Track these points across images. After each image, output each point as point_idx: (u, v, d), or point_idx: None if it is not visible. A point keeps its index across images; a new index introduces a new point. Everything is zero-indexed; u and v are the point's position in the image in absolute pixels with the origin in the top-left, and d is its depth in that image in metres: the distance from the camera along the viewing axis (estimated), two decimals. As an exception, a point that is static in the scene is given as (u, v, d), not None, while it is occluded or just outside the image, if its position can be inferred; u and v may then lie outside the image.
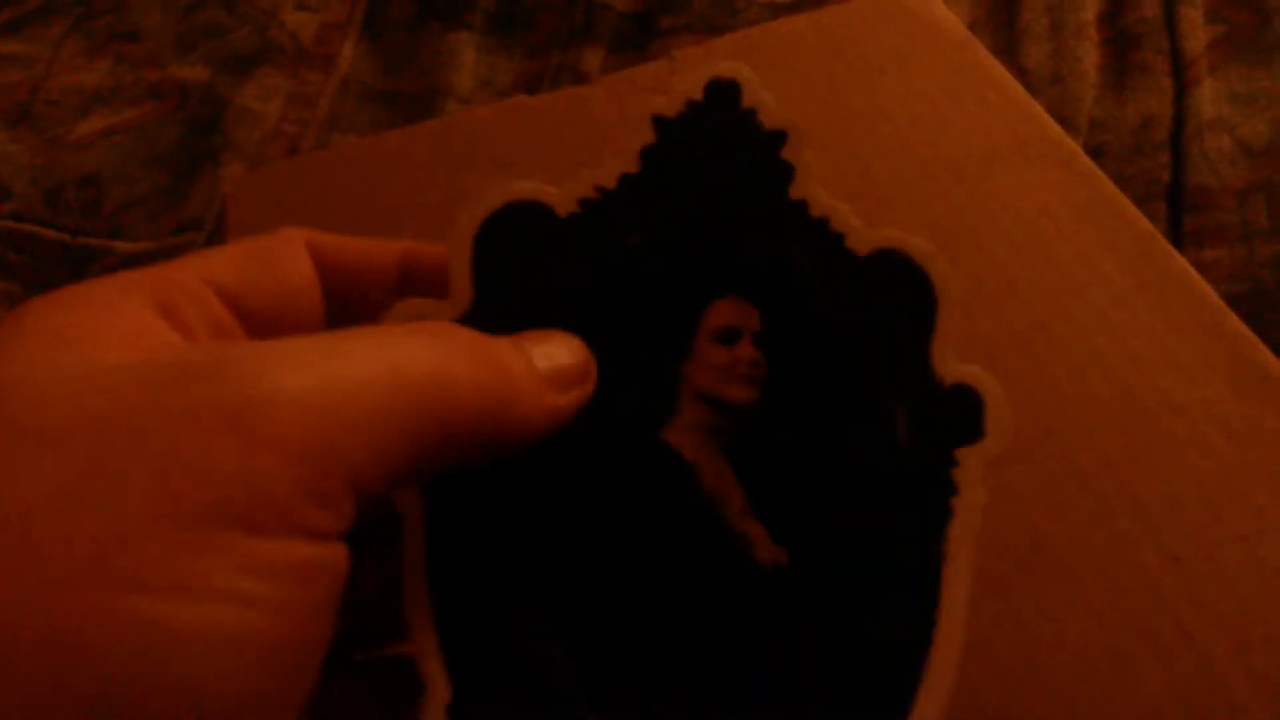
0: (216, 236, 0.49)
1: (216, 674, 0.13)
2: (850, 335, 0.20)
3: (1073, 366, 0.31)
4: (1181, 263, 0.34)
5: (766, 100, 0.21)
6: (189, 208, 0.51)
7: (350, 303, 0.22)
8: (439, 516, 0.19)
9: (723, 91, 0.21)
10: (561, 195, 0.21)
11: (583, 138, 0.40)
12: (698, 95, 0.21)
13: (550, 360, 0.19)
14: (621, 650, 0.19)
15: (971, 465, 0.20)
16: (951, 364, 0.20)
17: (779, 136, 0.21)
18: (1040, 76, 0.49)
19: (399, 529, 0.19)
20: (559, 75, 0.54)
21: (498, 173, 0.40)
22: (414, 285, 0.22)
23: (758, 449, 0.20)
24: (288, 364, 0.15)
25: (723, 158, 0.21)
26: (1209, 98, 0.46)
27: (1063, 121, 0.41)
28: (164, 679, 0.13)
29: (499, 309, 0.20)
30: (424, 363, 0.16)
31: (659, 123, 0.21)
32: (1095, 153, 0.46)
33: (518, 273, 0.20)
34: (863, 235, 0.21)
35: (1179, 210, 0.44)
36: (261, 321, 0.19)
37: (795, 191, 0.21)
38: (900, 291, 0.20)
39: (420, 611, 0.19)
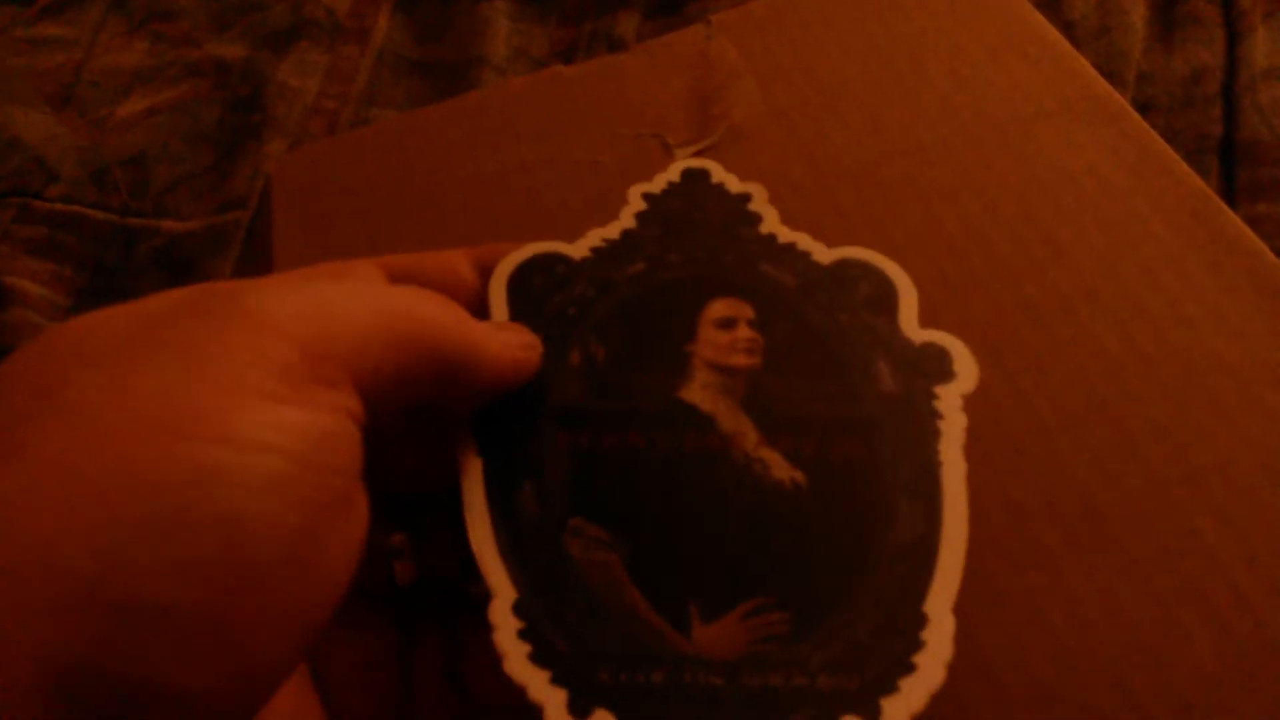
0: (262, 214, 0.49)
1: (253, 508, 0.16)
2: (827, 316, 0.24)
3: (1122, 330, 0.31)
4: (1234, 220, 0.33)
5: (731, 178, 0.27)
6: (233, 186, 0.51)
7: None
8: (493, 466, 0.23)
9: (696, 175, 0.27)
10: (576, 247, 0.26)
11: (620, 107, 0.40)
12: (676, 179, 0.27)
13: (503, 330, 0.23)
14: (667, 556, 0.22)
15: (949, 396, 0.23)
16: (917, 331, 0.24)
17: (745, 197, 0.27)
18: (1086, 30, 0.48)
19: (458, 498, 0.23)
20: (593, 42, 0.54)
21: (536, 144, 0.40)
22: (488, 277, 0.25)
23: (767, 400, 0.23)
24: (285, 286, 0.18)
25: (702, 211, 0.26)
26: (1262, 47, 0.45)
27: (1110, 76, 0.40)
28: (210, 510, 0.15)
29: (530, 324, 0.24)
30: (396, 297, 0.20)
31: (648, 197, 0.27)
32: (1144, 107, 0.45)
33: (544, 297, 0.25)
34: (825, 252, 0.25)
35: (1231, 164, 0.43)
36: None
37: (764, 229, 0.26)
38: (861, 285, 0.25)
39: (483, 536, 0.22)
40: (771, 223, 0.26)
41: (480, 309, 0.25)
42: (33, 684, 0.14)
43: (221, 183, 0.52)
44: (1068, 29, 0.47)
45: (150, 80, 0.57)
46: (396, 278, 0.23)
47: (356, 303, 0.19)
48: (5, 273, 0.48)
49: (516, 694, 0.20)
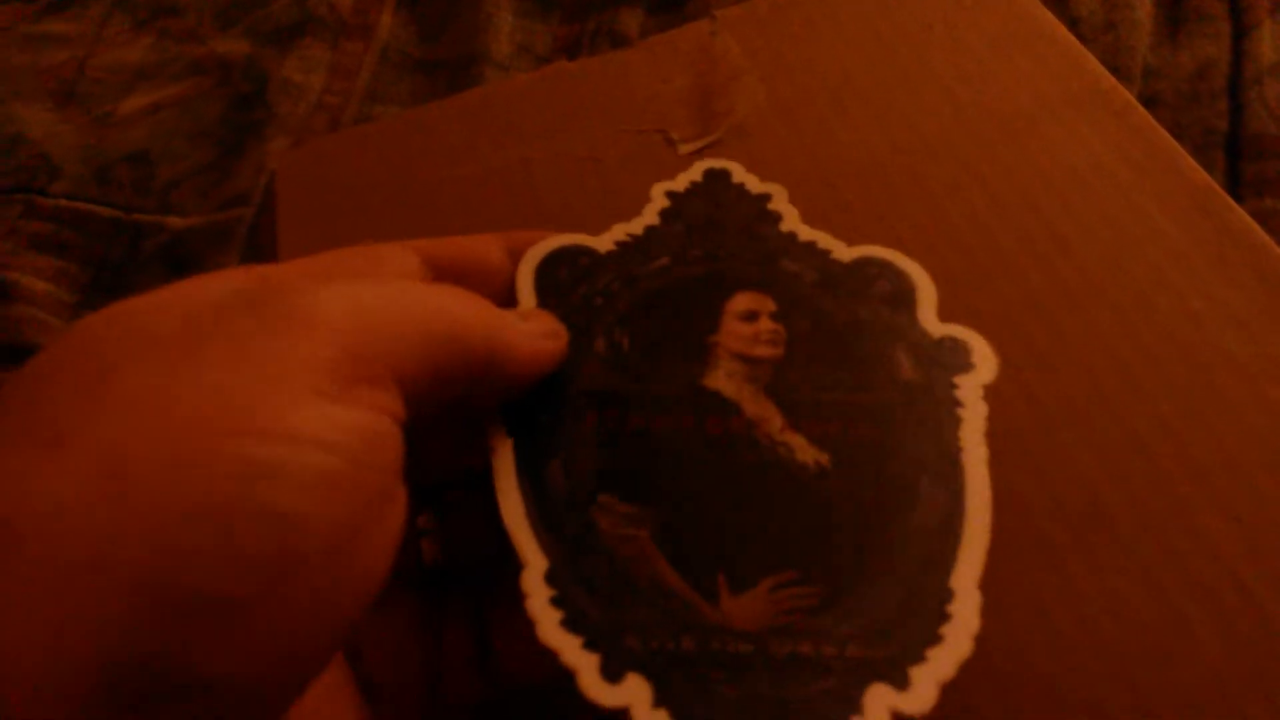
0: (265, 211, 0.49)
1: (307, 503, 0.16)
2: (848, 311, 0.25)
3: (1128, 326, 0.31)
4: (1241, 215, 0.33)
5: (752, 178, 0.28)
6: (237, 183, 0.51)
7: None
8: (523, 446, 0.23)
9: (717, 175, 0.28)
10: (600, 240, 0.26)
11: (624, 103, 0.40)
12: (698, 179, 0.28)
13: (529, 321, 0.23)
14: (695, 531, 0.22)
15: (970, 387, 0.23)
16: (936, 325, 0.24)
17: (765, 197, 0.27)
18: (1092, 25, 0.47)
19: (486, 480, 0.23)
20: (597, 38, 0.54)
21: (540, 141, 0.40)
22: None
23: (790, 387, 0.24)
24: (326, 286, 0.19)
25: (723, 210, 0.27)
26: (1269, 41, 0.44)
27: (1116, 71, 0.40)
28: (262, 505, 0.15)
29: (556, 313, 0.25)
30: (431, 296, 0.20)
31: (671, 195, 0.27)
32: (1150, 102, 0.44)
33: (570, 287, 0.25)
34: (844, 250, 0.26)
35: (1238, 159, 0.42)
36: None
37: (785, 227, 0.26)
38: (880, 282, 0.25)
39: (515, 511, 0.22)
40: (792, 221, 0.26)
41: (511, 294, 0.25)
42: (90, 675, 0.14)
43: (225, 179, 0.52)
44: (1074, 24, 0.47)
45: (154, 77, 0.57)
46: (430, 261, 0.23)
47: (399, 304, 0.19)
48: (10, 269, 0.48)
49: (547, 664, 0.20)
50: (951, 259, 0.33)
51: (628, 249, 0.26)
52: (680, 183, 0.28)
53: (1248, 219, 0.33)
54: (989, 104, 0.37)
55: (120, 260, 0.50)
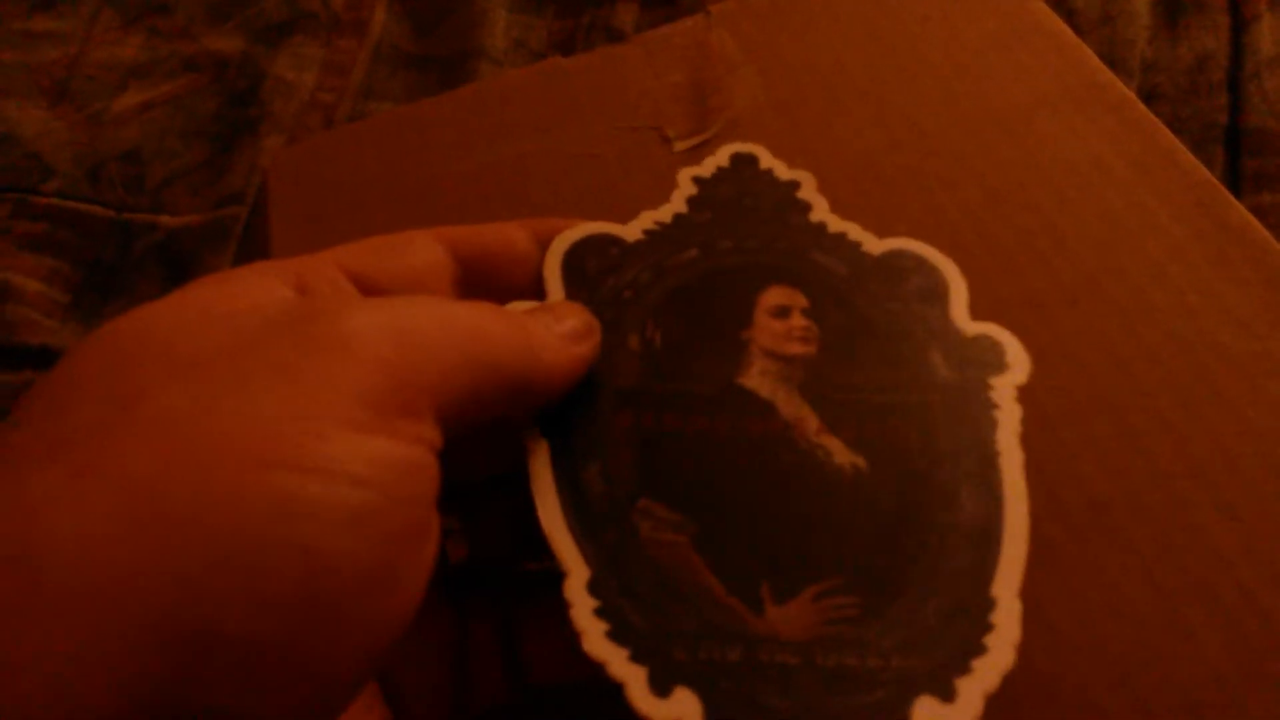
0: (260, 209, 0.49)
1: (338, 541, 0.15)
2: (879, 306, 0.24)
3: (1126, 323, 0.31)
4: (1240, 211, 0.32)
5: (779, 164, 0.27)
6: (230, 181, 0.51)
7: (491, 286, 0.24)
8: (559, 448, 0.23)
9: (744, 159, 0.27)
10: (629, 229, 0.26)
11: (619, 99, 0.40)
12: (725, 164, 0.27)
13: (562, 323, 0.22)
14: (736, 537, 0.22)
15: (1004, 388, 0.23)
16: (968, 323, 0.24)
17: (794, 184, 0.27)
18: (1089, 18, 0.47)
19: (515, 481, 0.23)
20: (592, 33, 0.54)
21: (535, 138, 0.39)
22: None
23: (824, 387, 0.23)
24: (367, 308, 0.18)
25: (752, 198, 0.26)
26: (1268, 34, 0.44)
27: (1114, 64, 0.40)
28: (293, 542, 0.15)
29: (585, 304, 0.24)
30: (465, 317, 0.20)
31: (698, 180, 0.27)
32: (1148, 96, 0.44)
33: (598, 278, 0.25)
34: (875, 242, 0.25)
35: (1237, 153, 0.42)
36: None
37: (814, 217, 0.26)
38: (913, 277, 0.25)
39: (554, 516, 0.22)
40: (821, 211, 0.26)
41: (533, 278, 0.25)
42: (110, 713, 0.13)
43: (218, 177, 0.52)
44: (1071, 17, 0.47)
45: (146, 74, 0.57)
46: (456, 251, 0.23)
47: (439, 329, 0.19)
48: (2, 269, 0.48)
49: (585, 670, 0.20)
50: (949, 254, 0.33)
51: (656, 238, 0.26)
52: (707, 168, 0.27)
53: (1246, 214, 0.32)
54: (986, 99, 0.37)
55: (113, 259, 0.50)
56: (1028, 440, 0.22)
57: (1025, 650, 0.26)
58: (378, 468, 0.16)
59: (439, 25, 0.56)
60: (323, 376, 0.16)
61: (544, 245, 0.25)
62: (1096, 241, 0.33)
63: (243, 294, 0.18)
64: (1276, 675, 0.25)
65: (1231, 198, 0.33)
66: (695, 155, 0.37)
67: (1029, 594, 0.26)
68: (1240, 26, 0.45)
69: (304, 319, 0.17)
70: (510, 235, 0.24)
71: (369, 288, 0.21)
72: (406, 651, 0.23)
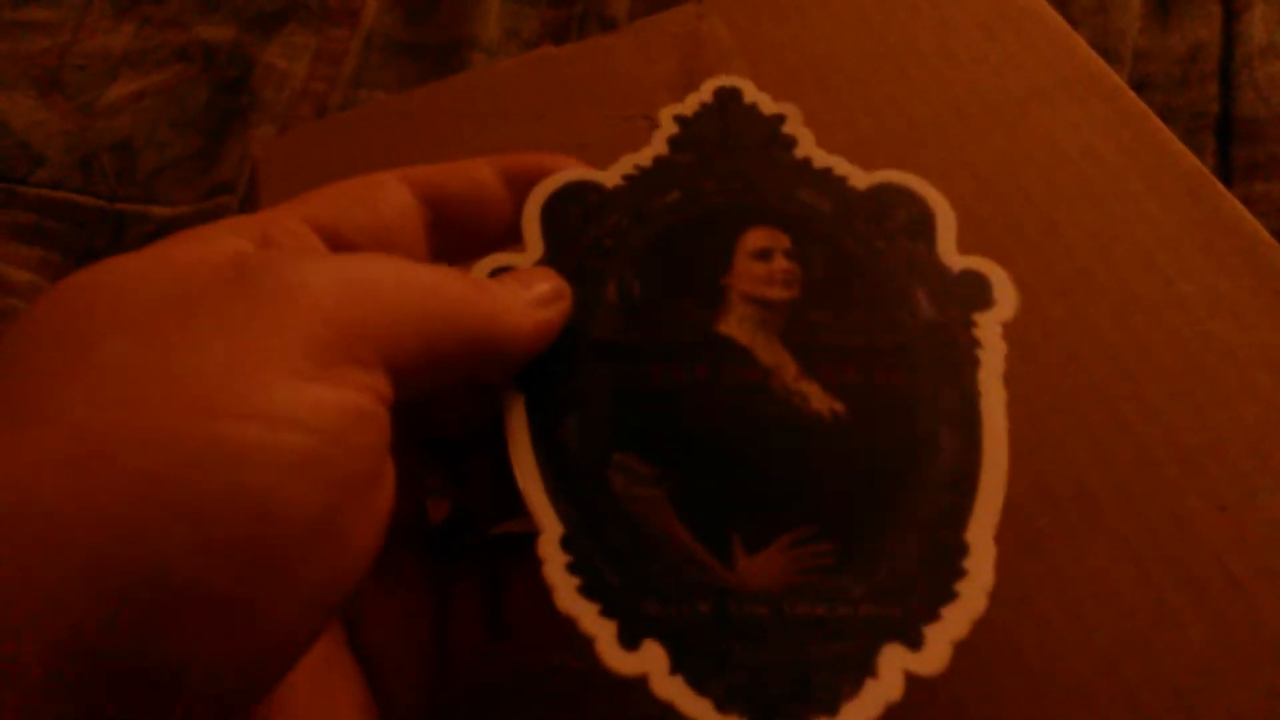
0: (249, 199, 0.49)
1: (284, 487, 0.15)
2: (865, 244, 0.24)
3: (1117, 312, 0.31)
4: (1231, 200, 0.32)
5: (764, 98, 0.26)
6: (221, 170, 0.51)
7: (462, 228, 0.24)
8: (535, 402, 0.23)
9: (728, 94, 0.26)
10: (608, 174, 0.25)
11: (610, 87, 0.39)
12: (709, 99, 0.26)
13: (530, 288, 0.22)
14: (710, 489, 0.22)
15: (988, 324, 0.23)
16: (956, 257, 0.24)
17: (779, 118, 0.26)
18: (1082, 7, 0.47)
19: (499, 435, 0.23)
20: (585, 22, 0.54)
21: (526, 127, 0.39)
22: (518, 190, 0.25)
23: (805, 332, 0.23)
24: (318, 261, 0.18)
25: (736, 136, 0.26)
26: (1260, 23, 0.44)
27: (1106, 54, 0.40)
28: (238, 489, 0.15)
29: (565, 256, 0.24)
30: (424, 275, 0.19)
31: (679, 120, 0.26)
32: (1140, 85, 0.44)
33: (579, 227, 0.24)
34: (861, 176, 0.25)
35: (1228, 142, 0.42)
36: (359, 250, 0.22)
37: (799, 153, 0.25)
38: (899, 210, 0.24)
39: (528, 472, 0.22)
40: (807, 145, 0.25)
41: (507, 219, 0.24)
42: (38, 664, 0.13)
43: (210, 167, 0.51)
44: (1063, 6, 0.47)
45: (137, 64, 0.57)
46: (423, 192, 0.23)
47: (393, 285, 0.19)
48: (-8, 259, 0.48)
49: (561, 630, 0.20)
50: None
51: (636, 183, 0.25)
52: (690, 105, 0.26)
53: (1237, 204, 0.32)
54: (978, 87, 0.37)
55: (104, 250, 0.50)
56: (1015, 426, 0.22)
57: (1013, 638, 0.26)
58: (321, 414, 0.16)
59: (431, 14, 0.56)
60: (267, 326, 0.16)
61: (512, 181, 0.24)
62: (1087, 230, 0.33)
63: (203, 248, 0.18)
64: (1263, 664, 0.25)
65: (1222, 187, 0.33)
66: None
67: (1016, 583, 0.26)
68: (1232, 16, 0.45)
69: (253, 271, 0.17)
70: (477, 174, 0.24)
71: (337, 241, 0.21)
72: (381, 611, 0.23)
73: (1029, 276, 0.32)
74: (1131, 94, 0.35)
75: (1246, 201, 0.33)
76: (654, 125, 0.27)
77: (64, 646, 0.13)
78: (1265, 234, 0.32)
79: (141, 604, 0.14)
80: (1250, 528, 0.27)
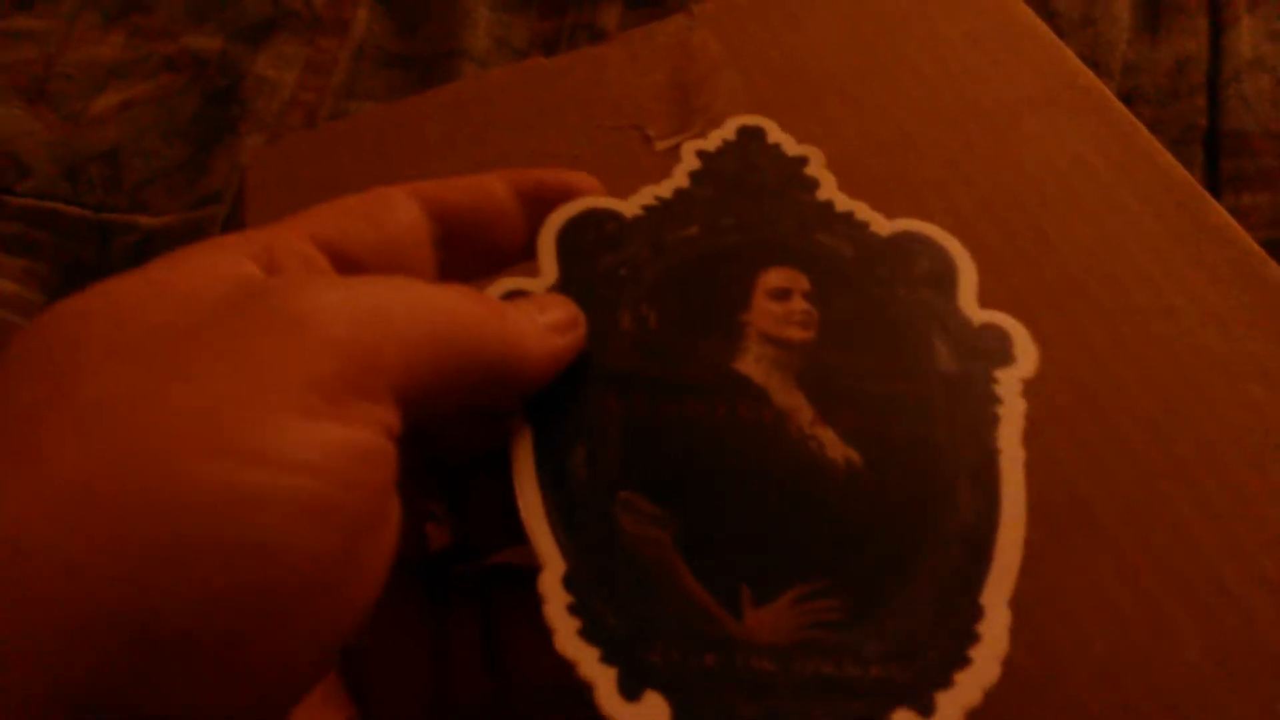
0: (237, 209, 0.48)
1: (289, 534, 0.15)
2: (885, 291, 0.23)
3: (1108, 324, 0.31)
4: (1220, 211, 0.33)
5: (788, 139, 0.26)
6: (210, 180, 0.51)
7: (471, 245, 0.23)
8: (543, 431, 0.22)
9: (751, 133, 0.26)
10: (627, 204, 0.25)
11: (601, 98, 0.39)
12: (731, 137, 0.26)
13: (545, 313, 0.21)
14: (719, 535, 0.21)
15: (1009, 381, 0.22)
16: (976, 311, 0.23)
17: (802, 160, 0.25)
18: (1070, 20, 0.47)
19: (504, 462, 0.22)
20: (576, 33, 0.54)
21: (517, 137, 0.39)
22: (530, 206, 0.24)
23: (821, 375, 0.22)
24: (325, 286, 0.17)
25: (758, 174, 0.25)
26: (1247, 37, 0.44)
27: (1094, 66, 0.40)
28: (240, 536, 0.14)
29: (580, 282, 0.23)
30: (435, 298, 0.19)
31: (702, 154, 0.26)
32: (1129, 98, 0.44)
33: (595, 255, 0.24)
34: (883, 223, 0.24)
35: (1216, 155, 0.42)
36: (366, 270, 0.21)
37: (821, 195, 0.25)
38: (921, 260, 0.24)
39: (533, 505, 0.21)
40: (829, 189, 0.25)
41: (519, 238, 0.24)
42: (43, 714, 0.13)
43: (198, 177, 0.51)
44: (1052, 19, 0.47)
45: (125, 74, 0.56)
46: (433, 207, 0.22)
47: (402, 308, 0.18)
48: (-23, 270, 0.48)
49: (559, 670, 0.20)
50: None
51: (655, 214, 0.24)
52: (712, 141, 0.26)
53: (1226, 215, 0.32)
54: (968, 99, 0.37)
55: (91, 260, 0.49)
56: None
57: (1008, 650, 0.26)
58: (328, 455, 0.15)
59: (421, 25, 0.56)
60: (271, 359, 0.16)
61: (525, 198, 0.24)
62: (1079, 242, 0.33)
63: (204, 270, 0.17)
64: (1259, 674, 0.25)
65: (1210, 198, 0.33)
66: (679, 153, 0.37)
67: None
68: (1219, 29, 0.45)
69: (256, 297, 0.17)
70: (489, 189, 0.23)
71: (344, 260, 0.20)
72: (377, 645, 0.22)
73: (1019, 287, 0.32)
74: (1121, 106, 0.36)
75: (1234, 213, 0.33)
76: (645, 136, 0.27)
77: (69, 698, 0.13)
78: (1254, 245, 0.32)
79: (137, 655, 0.13)
80: (1245, 538, 0.27)
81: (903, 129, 0.36)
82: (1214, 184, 0.42)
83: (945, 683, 0.19)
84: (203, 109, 0.54)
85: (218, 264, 0.18)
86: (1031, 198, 0.34)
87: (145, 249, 0.49)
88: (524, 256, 0.24)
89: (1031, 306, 0.31)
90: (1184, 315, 0.31)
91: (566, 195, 0.24)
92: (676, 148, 0.37)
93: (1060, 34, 0.39)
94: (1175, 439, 0.28)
